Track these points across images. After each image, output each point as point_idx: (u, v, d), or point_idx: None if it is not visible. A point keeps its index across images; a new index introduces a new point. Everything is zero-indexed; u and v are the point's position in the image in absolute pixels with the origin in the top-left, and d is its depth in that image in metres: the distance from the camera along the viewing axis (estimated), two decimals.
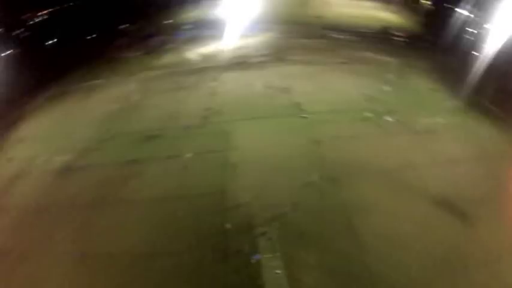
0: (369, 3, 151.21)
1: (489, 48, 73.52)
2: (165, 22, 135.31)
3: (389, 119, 54.87)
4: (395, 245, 37.40)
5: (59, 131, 76.67)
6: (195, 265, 36.87)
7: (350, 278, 35.67)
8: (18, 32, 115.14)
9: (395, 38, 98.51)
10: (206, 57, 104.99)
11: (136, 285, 38.13)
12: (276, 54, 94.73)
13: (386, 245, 36.43)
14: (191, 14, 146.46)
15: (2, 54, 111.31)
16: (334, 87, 65.62)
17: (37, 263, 42.27)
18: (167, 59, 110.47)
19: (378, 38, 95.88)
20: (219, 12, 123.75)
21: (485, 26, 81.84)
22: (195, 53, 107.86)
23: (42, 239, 46.24)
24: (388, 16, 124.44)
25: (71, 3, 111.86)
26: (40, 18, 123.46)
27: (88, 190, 55.34)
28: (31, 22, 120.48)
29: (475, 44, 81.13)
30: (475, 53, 76.86)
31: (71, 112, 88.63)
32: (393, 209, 38.40)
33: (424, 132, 50.75)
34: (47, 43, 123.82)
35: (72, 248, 43.35)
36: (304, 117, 57.84)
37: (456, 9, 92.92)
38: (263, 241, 38.91)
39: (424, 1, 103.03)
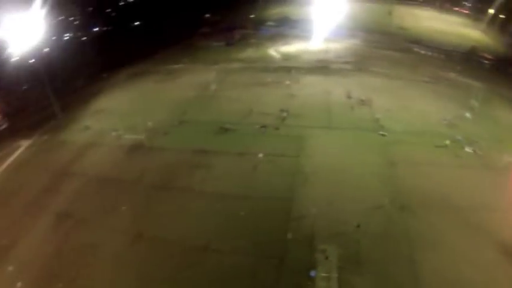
0: (457, 19, 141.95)
1: None
2: (250, 16, 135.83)
3: (468, 150, 53.28)
4: None
5: (134, 108, 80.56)
6: (247, 269, 37.44)
7: None
8: (107, 11, 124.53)
9: (483, 61, 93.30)
10: (287, 57, 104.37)
11: (183, 276, 38.61)
12: (358, 63, 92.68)
13: (444, 286, 35.80)
14: (276, 11, 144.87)
15: (91, 31, 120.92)
16: (414, 107, 64.82)
17: (93, 232, 45.01)
18: (248, 53, 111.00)
19: (464, 59, 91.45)
20: (304, 12, 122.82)
21: None
22: (276, 50, 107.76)
23: (102, 211, 48.59)
24: (477, 35, 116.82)
25: None
26: (129, 0, 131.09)
27: (154, 172, 55.61)
28: (121, 3, 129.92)
29: None
30: None
31: (148, 92, 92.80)
32: (459, 249, 37.76)
33: (505, 170, 49.40)
34: (133, 24, 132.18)
35: (129, 226, 45.39)
36: (382, 134, 57.48)
37: None
38: (321, 258, 37.80)
39: None
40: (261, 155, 61.05)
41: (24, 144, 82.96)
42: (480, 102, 72.32)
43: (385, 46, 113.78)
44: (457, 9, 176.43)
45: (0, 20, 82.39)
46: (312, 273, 39.95)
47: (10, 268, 48.93)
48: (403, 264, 39.11)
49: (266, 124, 70.30)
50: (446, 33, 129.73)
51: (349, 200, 49.11)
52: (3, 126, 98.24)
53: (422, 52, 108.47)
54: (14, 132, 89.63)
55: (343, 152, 59.68)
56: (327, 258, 41.01)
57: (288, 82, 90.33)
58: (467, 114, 70.06)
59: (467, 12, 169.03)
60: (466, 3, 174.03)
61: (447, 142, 59.62)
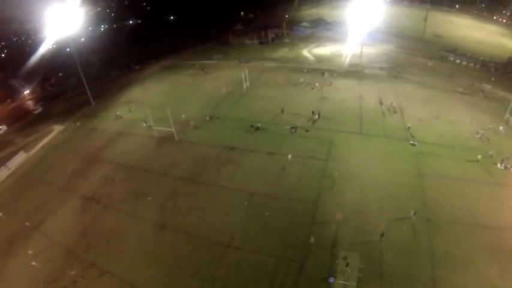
0: (495, 28, 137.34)
1: None
2: (285, 16, 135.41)
3: (500, 166, 51.81)
4: None
5: (165, 101, 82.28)
6: (268, 270, 38.25)
7: None
8: (142, 5, 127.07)
9: None
10: (320, 59, 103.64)
11: (204, 270, 39.87)
12: (391, 70, 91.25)
13: None
14: (311, 12, 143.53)
15: (126, 23, 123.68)
16: (447, 118, 63.81)
17: (116, 220, 46.80)
18: (281, 52, 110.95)
19: (502, 70, 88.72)
20: (339, 14, 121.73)
21: None
22: (310, 52, 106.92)
23: (128, 199, 49.98)
24: None
25: None
26: None
27: (182, 165, 56.76)
28: None
29: None
30: None
31: (180, 86, 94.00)
32: (483, 273, 37.39)
33: None
34: (168, 18, 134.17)
35: (155, 216, 47.00)
36: (412, 144, 56.59)
37: None
38: (342, 266, 37.86)
39: None
40: (290, 156, 61.54)
41: (57, 129, 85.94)
42: None
43: (420, 53, 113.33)
44: (495, 17, 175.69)
45: (40, 10, 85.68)
46: (331, 279, 40.20)
47: (29, 249, 50.26)
48: (423, 281, 38.31)
49: (296, 125, 70.84)
50: (483, 42, 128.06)
51: (374, 208, 48.92)
52: (38, 111, 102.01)
53: (458, 61, 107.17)
54: (48, 117, 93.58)
55: (371, 159, 59.53)
56: (347, 265, 41.00)
57: (320, 84, 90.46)
58: (501, 128, 68.67)
59: (505, 21, 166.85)
60: (505, 11, 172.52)
61: (479, 157, 58.44)
